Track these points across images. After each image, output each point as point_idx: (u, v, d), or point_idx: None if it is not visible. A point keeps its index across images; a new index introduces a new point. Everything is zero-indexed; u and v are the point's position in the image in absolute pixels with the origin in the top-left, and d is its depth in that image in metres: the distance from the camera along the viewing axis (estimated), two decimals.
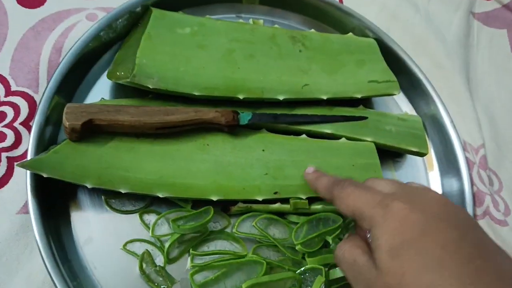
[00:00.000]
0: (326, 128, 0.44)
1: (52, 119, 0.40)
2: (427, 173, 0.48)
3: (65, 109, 0.35)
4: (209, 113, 0.39)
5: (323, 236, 0.39)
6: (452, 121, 0.48)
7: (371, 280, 0.27)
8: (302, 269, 0.38)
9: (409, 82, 0.50)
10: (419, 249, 0.25)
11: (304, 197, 0.40)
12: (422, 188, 0.31)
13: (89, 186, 0.35)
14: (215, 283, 0.36)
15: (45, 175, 0.34)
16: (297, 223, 0.40)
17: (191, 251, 0.38)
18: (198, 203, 0.39)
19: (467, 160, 0.47)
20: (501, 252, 0.26)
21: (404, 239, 0.26)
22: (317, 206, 0.40)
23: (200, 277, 0.37)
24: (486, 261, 0.24)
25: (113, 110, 0.36)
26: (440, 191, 0.47)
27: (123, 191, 0.36)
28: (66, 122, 0.35)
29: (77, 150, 0.36)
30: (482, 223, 0.46)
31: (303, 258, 0.39)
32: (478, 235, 0.27)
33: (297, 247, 0.38)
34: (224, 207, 0.41)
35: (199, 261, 0.38)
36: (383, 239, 0.26)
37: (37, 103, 0.40)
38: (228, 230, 0.40)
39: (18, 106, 0.40)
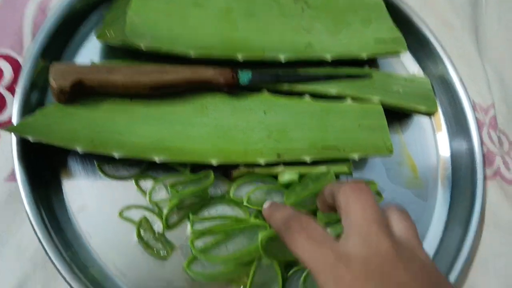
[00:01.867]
0: (331, 88, 0.41)
1: (39, 84, 0.37)
2: (435, 134, 0.46)
3: (50, 68, 0.33)
4: (206, 73, 0.36)
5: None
6: (461, 80, 0.45)
7: None
8: None
9: (417, 42, 0.48)
10: None
11: (308, 159, 0.38)
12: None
13: (80, 150, 0.33)
14: (216, 247, 0.35)
15: (32, 139, 0.31)
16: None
17: (191, 216, 0.36)
18: (197, 168, 0.37)
19: (477, 120, 0.45)
20: None
21: None
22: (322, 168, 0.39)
23: (200, 243, 0.36)
24: None
25: (104, 70, 0.34)
26: (448, 153, 0.45)
27: (117, 156, 0.34)
28: (53, 82, 0.32)
29: (67, 113, 0.33)
30: (492, 184, 0.44)
31: None
32: None
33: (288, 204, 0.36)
34: (225, 171, 0.39)
35: (199, 227, 0.36)
36: None
37: (22, 66, 0.38)
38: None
39: (1, 69, 0.38)
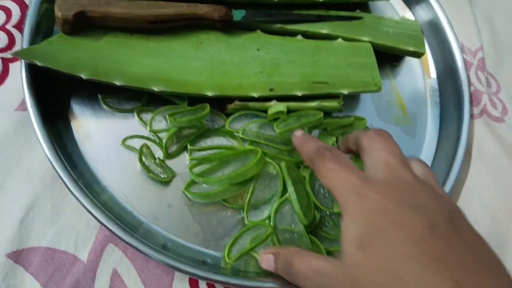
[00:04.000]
0: (322, 28, 0.43)
1: (44, 23, 0.39)
2: (424, 78, 0.48)
3: (56, 1, 0.35)
4: (202, 8, 0.38)
5: (304, 127, 0.39)
6: (449, 22, 0.47)
7: (338, 278, 0.25)
8: None
9: None
10: (387, 240, 0.24)
11: (300, 93, 0.40)
12: (413, 177, 0.28)
13: (84, 77, 0.35)
14: (212, 172, 0.37)
15: (39, 64, 0.34)
16: None
17: (188, 146, 0.39)
18: (194, 101, 0.39)
19: (465, 61, 0.46)
20: (492, 260, 0.24)
21: (374, 230, 0.24)
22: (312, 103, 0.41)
23: (198, 169, 0.38)
24: (461, 259, 0.23)
25: (104, 3, 0.36)
26: (437, 92, 0.47)
27: (118, 84, 0.36)
28: (58, 13, 0.35)
29: (71, 43, 0.36)
30: (479, 121, 0.46)
31: None
32: (460, 232, 0.24)
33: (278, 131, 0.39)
34: (221, 106, 0.41)
35: (197, 156, 0.39)
36: (352, 229, 0.25)
37: (28, 5, 0.40)
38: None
39: (10, 9, 0.40)
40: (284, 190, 0.38)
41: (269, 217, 0.37)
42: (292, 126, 0.38)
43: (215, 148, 0.39)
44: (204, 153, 0.39)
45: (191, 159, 0.38)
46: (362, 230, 0.25)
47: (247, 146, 0.39)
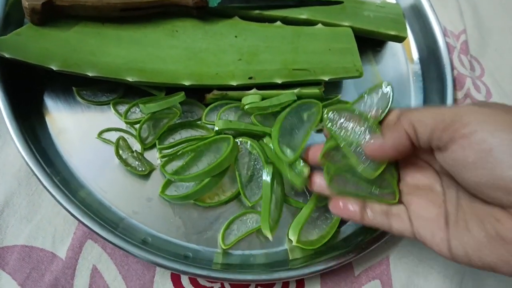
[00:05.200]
0: (302, 14, 0.42)
1: (14, 15, 0.38)
2: (407, 63, 0.48)
3: None
4: None
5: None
6: (431, 6, 0.46)
7: None
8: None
9: None
10: None
11: (279, 81, 0.39)
12: None
13: (54, 68, 0.34)
14: (186, 169, 0.36)
15: (7, 56, 0.33)
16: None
17: (157, 146, 0.37)
18: (172, 92, 0.38)
19: (448, 45, 0.46)
20: None
21: None
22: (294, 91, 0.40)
23: (172, 167, 0.37)
24: None
25: None
26: (420, 77, 0.47)
27: (90, 75, 0.35)
28: (25, 2, 0.33)
29: (41, 33, 0.35)
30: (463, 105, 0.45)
31: None
32: None
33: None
34: (200, 97, 0.40)
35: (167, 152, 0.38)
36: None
37: None
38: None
39: None
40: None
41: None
42: (264, 105, 0.38)
43: (185, 141, 0.38)
44: (175, 148, 0.38)
45: (161, 157, 0.37)
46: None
47: (215, 135, 0.38)
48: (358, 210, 0.31)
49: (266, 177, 0.35)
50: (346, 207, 0.32)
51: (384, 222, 0.31)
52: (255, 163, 0.38)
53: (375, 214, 0.31)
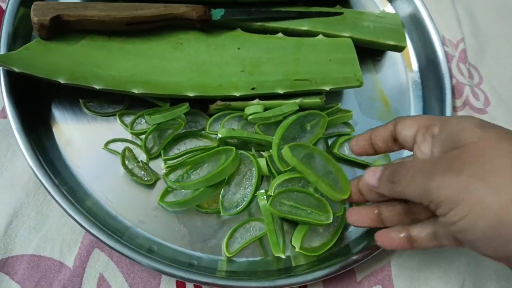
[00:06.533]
0: (303, 25, 0.43)
1: (21, 30, 0.39)
2: (406, 70, 0.48)
3: (32, 6, 0.35)
4: (179, 8, 0.38)
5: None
6: (430, 15, 0.47)
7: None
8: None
9: None
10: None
11: (281, 91, 0.40)
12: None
13: (62, 81, 0.35)
14: (188, 177, 0.37)
15: (16, 70, 0.34)
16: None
17: (162, 157, 0.38)
18: (177, 103, 0.39)
19: (446, 53, 0.47)
20: None
21: None
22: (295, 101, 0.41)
23: (174, 176, 0.37)
24: None
25: (81, 6, 0.36)
26: (419, 86, 0.48)
27: (97, 87, 0.36)
28: (34, 18, 0.34)
29: (49, 48, 0.35)
30: (462, 114, 0.46)
31: None
32: None
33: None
34: (204, 107, 0.41)
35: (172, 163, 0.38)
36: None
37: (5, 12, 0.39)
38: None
39: None
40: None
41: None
42: (267, 116, 0.39)
43: (189, 152, 0.39)
44: (180, 159, 0.39)
45: (166, 167, 0.38)
46: None
47: (219, 146, 0.39)
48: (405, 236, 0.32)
49: (264, 201, 0.36)
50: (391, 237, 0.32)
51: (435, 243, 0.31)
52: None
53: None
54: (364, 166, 0.42)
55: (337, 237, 0.38)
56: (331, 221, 0.35)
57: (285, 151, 0.35)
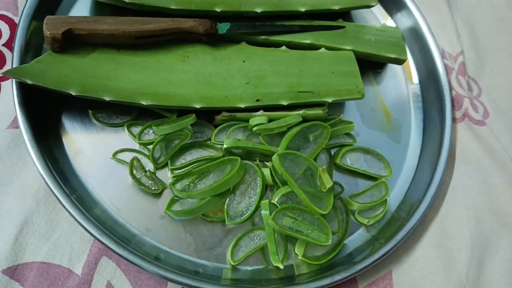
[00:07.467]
0: (306, 39, 0.44)
1: (34, 42, 0.40)
2: (407, 82, 0.50)
3: (45, 20, 0.36)
4: (186, 22, 0.39)
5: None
6: (429, 29, 0.48)
7: None
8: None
9: None
10: None
11: (285, 103, 0.41)
12: None
13: (73, 93, 0.36)
14: (194, 186, 0.38)
15: (29, 82, 0.35)
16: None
17: (169, 166, 0.39)
18: (183, 114, 0.40)
19: (446, 66, 0.48)
20: None
21: None
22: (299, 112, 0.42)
23: (180, 186, 0.38)
24: None
25: (91, 20, 0.37)
26: (420, 98, 0.49)
27: (107, 99, 0.37)
28: (46, 32, 0.35)
29: (60, 60, 0.37)
30: (461, 125, 0.47)
31: None
32: None
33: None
34: (210, 118, 0.42)
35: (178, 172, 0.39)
36: None
37: (18, 25, 0.41)
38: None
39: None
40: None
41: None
42: (271, 127, 0.40)
43: (195, 162, 0.40)
44: (186, 168, 0.40)
45: (173, 177, 0.39)
46: None
47: (224, 155, 0.40)
48: None
49: (266, 212, 0.37)
50: None
51: None
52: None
53: None
54: (366, 176, 0.43)
55: (340, 247, 0.39)
56: (330, 243, 0.36)
57: (275, 158, 0.36)
